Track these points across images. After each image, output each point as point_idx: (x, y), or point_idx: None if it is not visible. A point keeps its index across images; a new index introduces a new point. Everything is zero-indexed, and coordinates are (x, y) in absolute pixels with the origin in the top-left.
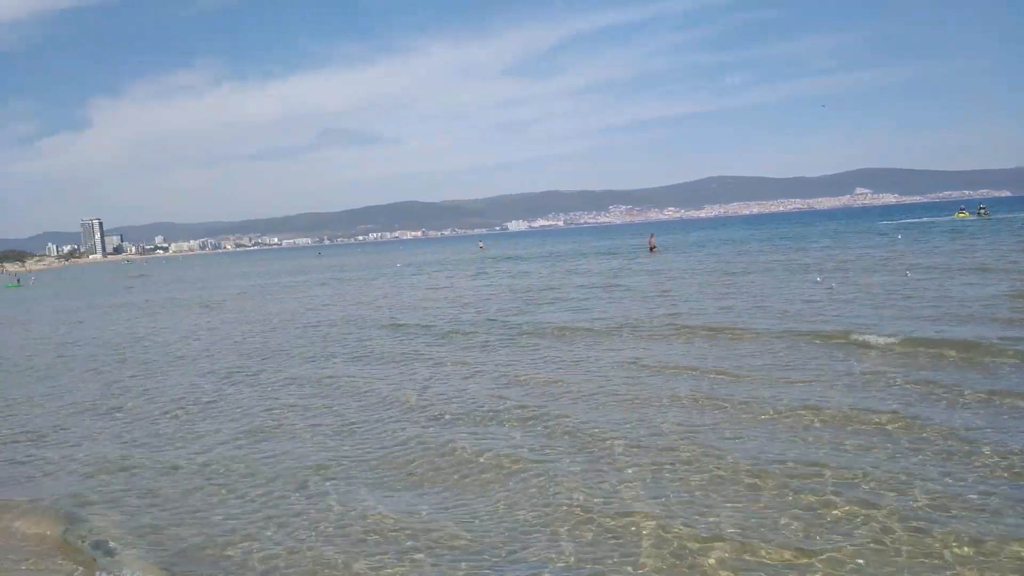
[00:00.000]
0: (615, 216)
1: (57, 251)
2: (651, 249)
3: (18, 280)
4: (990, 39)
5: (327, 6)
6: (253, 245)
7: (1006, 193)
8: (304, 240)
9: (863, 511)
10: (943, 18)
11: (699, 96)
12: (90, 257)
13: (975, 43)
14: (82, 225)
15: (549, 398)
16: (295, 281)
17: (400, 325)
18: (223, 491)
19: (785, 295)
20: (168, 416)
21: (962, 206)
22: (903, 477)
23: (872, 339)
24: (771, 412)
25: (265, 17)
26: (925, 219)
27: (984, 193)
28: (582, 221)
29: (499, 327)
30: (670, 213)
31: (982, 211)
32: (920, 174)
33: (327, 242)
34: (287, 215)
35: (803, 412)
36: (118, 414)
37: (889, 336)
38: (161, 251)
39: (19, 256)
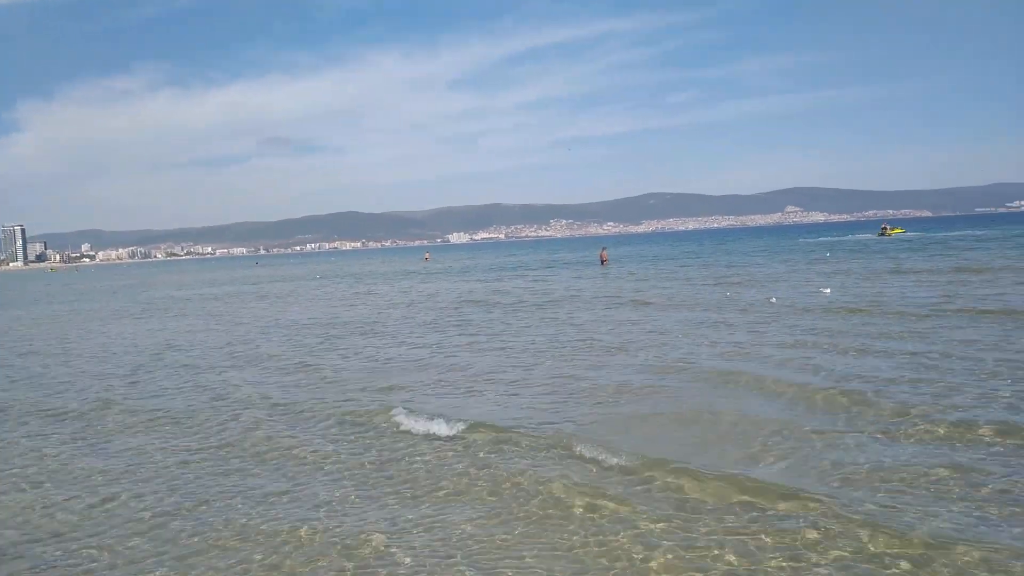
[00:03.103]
0: (556, 230)
1: None
2: (603, 262)
3: None
4: (914, 69)
5: (273, 14)
6: (185, 254)
7: (927, 213)
8: (239, 250)
9: None
10: (872, 47)
11: (641, 114)
12: (10, 265)
13: (900, 72)
14: (2, 231)
15: None
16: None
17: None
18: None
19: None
20: None
21: (887, 223)
22: None
23: None
24: None
25: (209, 23)
26: (848, 236)
27: (907, 213)
28: (524, 235)
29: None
30: (609, 228)
31: (885, 230)
32: (847, 193)
33: (263, 252)
34: (222, 224)
35: None
36: None
37: None
38: (88, 259)
39: None
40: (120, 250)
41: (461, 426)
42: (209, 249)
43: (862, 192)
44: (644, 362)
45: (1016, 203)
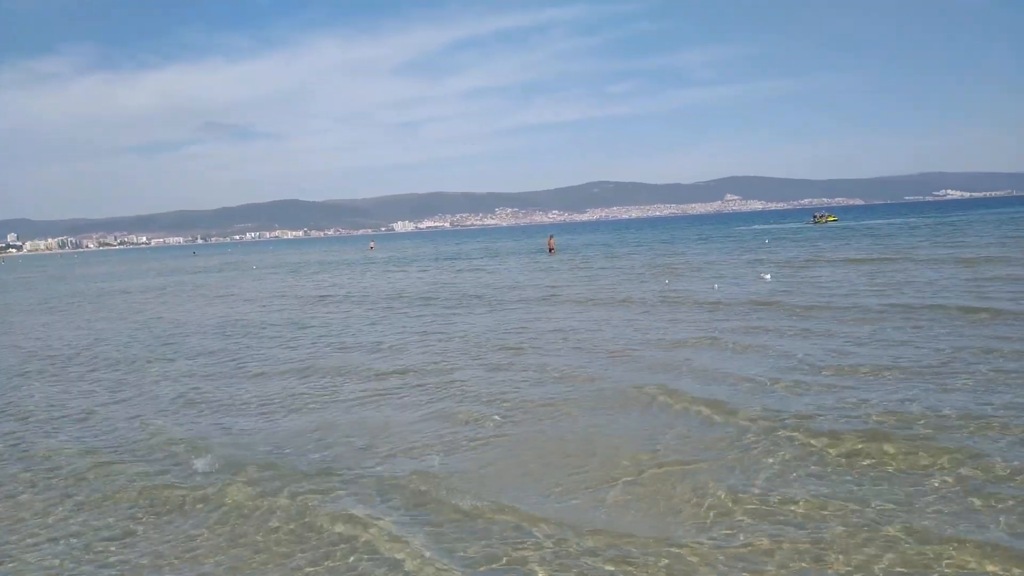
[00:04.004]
0: (501, 219)
1: None
2: (550, 250)
3: None
4: (849, 61)
5: None
6: (119, 244)
7: (859, 202)
8: (175, 239)
9: None
10: (808, 38)
11: (584, 104)
12: None
13: (835, 64)
14: None
15: None
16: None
17: None
18: None
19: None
20: None
21: (821, 212)
22: None
23: None
24: None
25: (142, 2)
26: (777, 224)
27: (840, 201)
28: (468, 223)
29: None
30: (554, 216)
31: (819, 218)
32: (784, 182)
33: (200, 241)
34: (157, 213)
35: None
36: None
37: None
38: (14, 250)
39: None
40: (49, 240)
41: (282, 458)
42: (144, 239)
43: (798, 181)
44: (552, 371)
45: (942, 192)
